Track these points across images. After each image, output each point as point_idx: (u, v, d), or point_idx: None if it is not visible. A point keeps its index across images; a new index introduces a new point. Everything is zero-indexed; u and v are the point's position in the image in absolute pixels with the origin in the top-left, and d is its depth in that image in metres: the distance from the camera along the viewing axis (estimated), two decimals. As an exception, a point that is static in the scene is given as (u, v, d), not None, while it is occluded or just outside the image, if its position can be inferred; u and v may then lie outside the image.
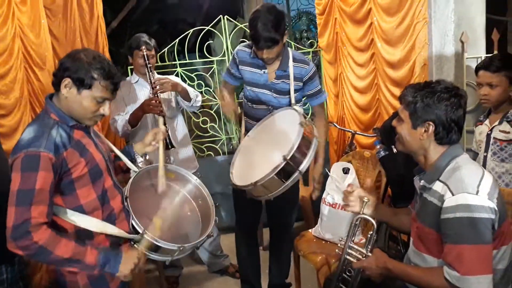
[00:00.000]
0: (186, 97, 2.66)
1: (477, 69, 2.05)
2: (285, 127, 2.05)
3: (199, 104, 2.80)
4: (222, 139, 3.92)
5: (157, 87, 2.44)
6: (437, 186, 1.38)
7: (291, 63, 2.18)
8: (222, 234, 3.17)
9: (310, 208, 3.34)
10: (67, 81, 1.44)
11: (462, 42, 2.39)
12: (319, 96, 2.29)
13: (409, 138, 1.43)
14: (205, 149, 3.88)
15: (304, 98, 2.36)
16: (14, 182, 1.34)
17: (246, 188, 1.91)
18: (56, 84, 1.46)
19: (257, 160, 2.06)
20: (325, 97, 2.36)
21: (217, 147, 3.94)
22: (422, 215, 1.44)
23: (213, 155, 3.93)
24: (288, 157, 1.79)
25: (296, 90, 2.21)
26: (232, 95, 2.47)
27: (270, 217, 2.54)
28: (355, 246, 1.68)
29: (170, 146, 2.40)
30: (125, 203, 1.61)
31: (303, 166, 1.84)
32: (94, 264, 1.41)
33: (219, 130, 3.91)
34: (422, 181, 1.44)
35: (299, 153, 1.84)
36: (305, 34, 7.39)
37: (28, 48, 2.68)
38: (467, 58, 2.40)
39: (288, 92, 2.22)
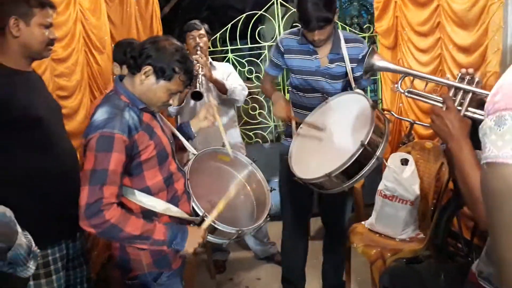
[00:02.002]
0: (221, 88, 2.68)
1: None
2: (350, 112, 1.90)
3: (240, 98, 2.76)
4: (270, 126, 3.89)
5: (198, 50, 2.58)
6: None
7: (343, 44, 2.07)
8: (269, 221, 3.14)
9: (361, 199, 3.25)
10: (147, 68, 1.44)
11: (542, 26, 2.19)
12: (366, 80, 2.16)
13: None
14: (253, 135, 3.86)
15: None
16: (88, 161, 1.36)
17: (318, 180, 1.76)
18: (134, 68, 1.47)
19: (322, 151, 1.92)
20: (369, 82, 2.23)
21: (265, 134, 3.91)
22: None
23: (260, 142, 3.91)
24: (366, 142, 1.62)
25: (353, 72, 2.09)
26: (274, 88, 2.40)
27: (324, 213, 2.47)
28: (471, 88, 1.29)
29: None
30: (187, 186, 1.61)
31: (379, 151, 1.69)
32: (163, 239, 1.43)
33: (267, 117, 3.88)
34: None
35: (376, 137, 1.68)
36: (356, 20, 7.16)
37: (89, 32, 2.75)
38: (545, 44, 2.21)
39: (342, 76, 2.12)
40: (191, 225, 1.58)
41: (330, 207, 2.40)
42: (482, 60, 2.34)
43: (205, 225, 1.54)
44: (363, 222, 2.56)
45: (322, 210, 2.49)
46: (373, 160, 1.69)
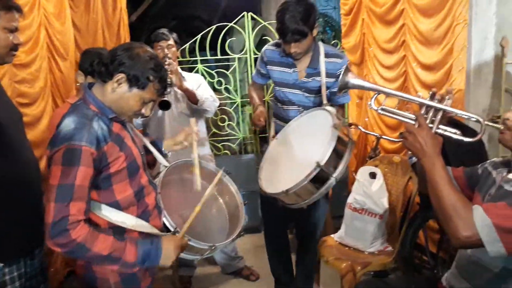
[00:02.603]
0: (191, 98, 2.61)
1: None
2: (317, 130, 1.93)
3: (211, 109, 2.72)
4: (239, 137, 3.87)
5: (167, 60, 2.46)
6: None
7: (322, 58, 2.08)
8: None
9: (329, 212, 3.28)
10: (120, 76, 1.38)
11: (502, 47, 2.31)
12: (346, 95, 2.20)
13: None
14: (221, 147, 3.83)
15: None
16: (54, 176, 1.28)
17: (278, 196, 1.82)
18: (105, 76, 1.41)
19: (287, 165, 1.96)
20: (349, 98, 2.28)
21: (233, 145, 3.89)
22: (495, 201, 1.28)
23: (229, 153, 3.88)
24: (322, 163, 1.69)
25: (328, 88, 2.10)
26: (260, 95, 2.41)
27: (297, 223, 2.47)
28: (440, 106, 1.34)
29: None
30: (158, 200, 1.54)
31: (338, 172, 1.74)
32: (134, 261, 1.35)
33: (235, 128, 3.86)
34: None
35: (334, 158, 1.74)
36: (321, 36, 7.33)
37: (53, 37, 2.65)
38: (506, 63, 2.32)
39: (319, 91, 2.12)
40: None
41: (304, 221, 2.40)
42: (446, 78, 2.44)
43: (182, 232, 1.49)
44: (332, 235, 2.57)
45: (295, 224, 2.48)
46: (330, 181, 1.74)
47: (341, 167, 1.74)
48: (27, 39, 2.32)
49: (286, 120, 2.16)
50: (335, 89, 2.07)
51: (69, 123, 1.33)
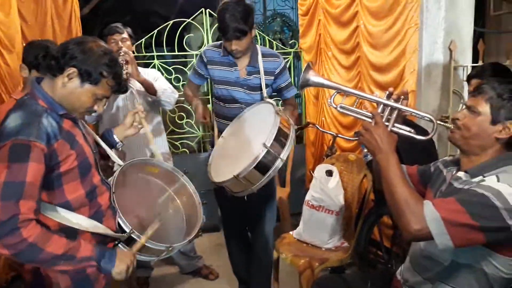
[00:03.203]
0: (149, 89, 2.54)
1: (470, 77, 2.08)
2: (260, 120, 2.02)
3: (171, 100, 2.66)
4: (197, 135, 3.82)
5: (121, 53, 2.36)
6: (478, 179, 1.30)
7: (260, 58, 2.20)
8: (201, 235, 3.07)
9: (287, 209, 3.31)
10: (71, 70, 1.32)
11: (451, 50, 2.42)
12: (292, 88, 2.33)
13: (479, 132, 1.31)
14: (179, 145, 3.76)
15: (275, 94, 2.36)
16: None
17: (228, 182, 1.84)
18: (56, 70, 1.33)
19: (234, 156, 2.00)
20: (295, 91, 2.39)
21: (192, 144, 3.83)
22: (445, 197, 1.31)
23: (187, 152, 3.82)
24: (269, 144, 1.76)
25: (267, 85, 2.23)
26: (197, 95, 2.45)
27: (249, 222, 2.47)
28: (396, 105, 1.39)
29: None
30: (112, 200, 1.48)
31: (283, 153, 1.81)
32: (90, 255, 1.29)
33: (195, 127, 3.80)
34: (462, 173, 1.35)
35: (279, 140, 1.81)
36: (278, 36, 7.39)
37: (-4, 28, 2.48)
38: (454, 66, 2.44)
39: (260, 88, 2.23)
40: (117, 242, 1.46)
41: (253, 218, 2.41)
42: (400, 79, 2.53)
43: (135, 248, 1.44)
44: (291, 232, 2.60)
45: (247, 221, 2.48)
46: (277, 162, 1.80)
47: (286, 149, 1.82)
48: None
49: (229, 119, 2.23)
50: (284, 84, 2.27)
51: (15, 119, 1.25)
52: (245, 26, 2.03)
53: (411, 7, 2.38)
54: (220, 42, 2.24)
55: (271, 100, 2.08)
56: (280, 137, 1.82)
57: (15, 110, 1.29)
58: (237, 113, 2.19)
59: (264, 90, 2.20)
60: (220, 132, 2.22)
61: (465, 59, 2.49)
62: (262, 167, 1.79)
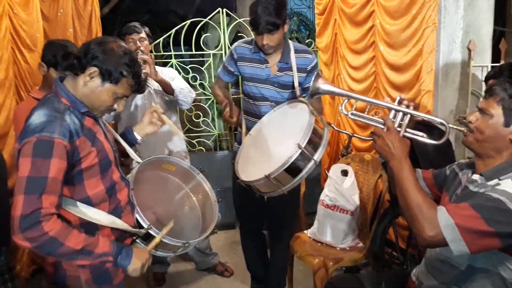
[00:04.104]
0: (167, 89, 2.57)
1: (488, 78, 2.05)
2: (293, 119, 1.96)
3: (188, 99, 2.68)
4: (214, 134, 3.85)
5: (139, 52, 2.42)
6: (493, 182, 1.28)
7: (292, 54, 2.16)
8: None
9: (302, 208, 3.32)
10: (93, 69, 1.36)
11: (469, 50, 2.39)
12: None
13: (493, 134, 1.29)
14: (196, 143, 3.80)
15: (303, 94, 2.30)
16: (23, 168, 1.23)
17: (258, 182, 1.78)
18: (78, 69, 1.38)
19: (264, 155, 1.95)
20: None
21: (208, 142, 3.86)
22: (460, 201, 1.31)
23: (204, 150, 3.85)
24: (303, 145, 1.68)
25: (300, 83, 2.17)
26: (225, 93, 2.42)
27: (270, 220, 2.48)
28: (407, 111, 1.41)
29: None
30: (131, 196, 1.52)
31: (317, 155, 1.73)
32: (108, 251, 1.33)
33: (210, 125, 3.84)
34: (477, 176, 1.34)
35: (313, 141, 1.74)
36: (295, 34, 7.37)
37: (18, 27, 2.55)
38: (473, 66, 2.41)
39: (291, 86, 2.19)
40: (135, 237, 1.50)
41: (277, 217, 2.41)
42: (416, 79, 2.50)
43: (150, 246, 1.48)
44: (305, 231, 2.60)
45: (268, 220, 2.49)
46: (311, 164, 1.72)
47: (319, 151, 1.74)
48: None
49: (258, 116, 2.18)
50: (308, 85, 2.11)
51: (39, 116, 1.30)
52: (278, 19, 1.99)
53: (429, 6, 2.35)
54: (251, 38, 2.22)
55: (304, 99, 2.00)
56: (315, 138, 1.74)
57: (39, 107, 1.34)
58: (266, 111, 2.14)
59: (297, 88, 2.15)
60: (248, 129, 2.18)
61: (485, 59, 2.46)
62: (294, 168, 1.72)
